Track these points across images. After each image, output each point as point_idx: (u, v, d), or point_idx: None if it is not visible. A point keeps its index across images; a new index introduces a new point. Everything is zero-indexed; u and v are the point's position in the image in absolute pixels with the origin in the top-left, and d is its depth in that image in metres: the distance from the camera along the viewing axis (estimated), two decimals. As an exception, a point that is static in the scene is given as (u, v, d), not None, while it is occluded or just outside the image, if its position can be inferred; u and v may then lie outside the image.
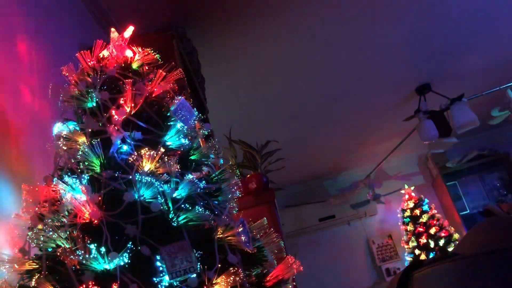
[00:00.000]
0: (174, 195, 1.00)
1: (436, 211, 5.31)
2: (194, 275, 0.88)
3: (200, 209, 0.99)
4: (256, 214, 1.29)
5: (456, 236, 5.08)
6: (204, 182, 1.10)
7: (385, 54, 3.55)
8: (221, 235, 0.98)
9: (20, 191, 1.05)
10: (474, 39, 3.61)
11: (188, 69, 2.41)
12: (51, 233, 0.90)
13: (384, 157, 5.42)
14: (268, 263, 1.06)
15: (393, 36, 3.32)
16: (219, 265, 0.92)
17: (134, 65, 1.26)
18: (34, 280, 0.86)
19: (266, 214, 2.12)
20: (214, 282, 0.90)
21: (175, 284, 0.88)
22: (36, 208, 1.01)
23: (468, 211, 5.59)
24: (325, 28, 3.05)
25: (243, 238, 1.01)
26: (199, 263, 0.90)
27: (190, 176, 1.03)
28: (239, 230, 1.01)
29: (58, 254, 0.87)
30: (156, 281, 0.88)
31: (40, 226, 0.95)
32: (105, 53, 1.26)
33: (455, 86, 4.06)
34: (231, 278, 0.89)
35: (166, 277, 0.88)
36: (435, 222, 5.15)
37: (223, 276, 0.90)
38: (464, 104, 3.88)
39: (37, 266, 0.91)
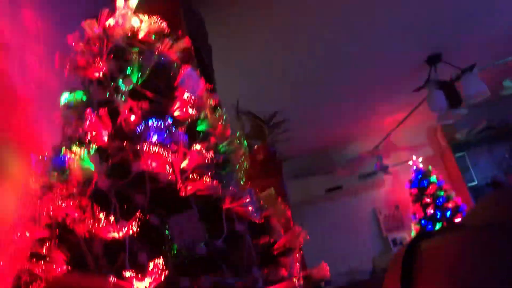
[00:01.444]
0: (182, 165, 1.00)
1: (444, 182, 5.30)
2: (202, 244, 0.89)
3: (208, 179, 0.99)
4: (264, 185, 1.30)
5: (463, 207, 5.09)
6: (211, 152, 1.10)
7: (395, 23, 3.48)
8: (228, 205, 0.99)
9: (30, 161, 1.06)
10: (487, 8, 3.52)
11: (195, 38, 2.38)
12: (60, 202, 0.91)
13: (392, 128, 5.39)
14: (275, 233, 1.07)
15: (404, 5, 3.25)
16: (227, 235, 0.93)
17: (141, 34, 1.25)
18: (45, 247, 0.87)
19: (273, 185, 2.12)
20: (222, 250, 0.91)
21: (183, 252, 0.89)
22: (46, 178, 1.02)
23: (476, 182, 5.58)
24: (333, 0, 2.99)
25: (250, 208, 1.02)
26: (207, 233, 0.91)
27: (197, 147, 1.03)
28: (247, 200, 1.01)
29: (68, 222, 0.88)
30: (164, 249, 0.89)
31: (50, 196, 0.96)
32: (111, 21, 1.24)
33: (467, 56, 3.99)
34: (239, 247, 0.90)
35: (175, 246, 0.89)
36: (442, 193, 5.15)
37: (231, 245, 0.91)
38: (475, 75, 3.82)
39: (48, 234, 0.93)
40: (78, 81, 1.19)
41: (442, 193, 5.15)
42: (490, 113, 5.55)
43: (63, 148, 1.04)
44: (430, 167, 5.42)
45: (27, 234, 0.94)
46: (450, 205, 5.04)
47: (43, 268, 0.83)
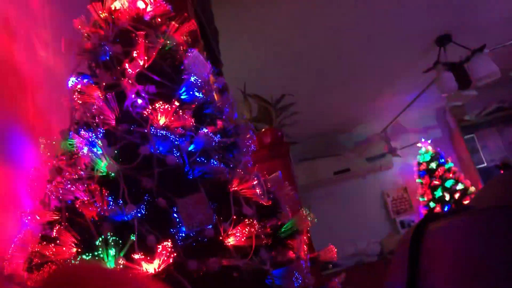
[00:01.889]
0: (189, 148, 1.00)
1: (452, 164, 5.28)
2: (210, 226, 0.90)
3: (215, 162, 1.00)
4: (271, 168, 1.30)
5: (472, 189, 5.07)
6: (219, 135, 1.10)
7: (404, 3, 3.42)
8: (236, 188, 0.99)
9: (38, 145, 1.07)
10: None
11: (201, 21, 2.36)
12: (69, 185, 0.92)
13: (401, 110, 5.35)
14: (282, 215, 1.08)
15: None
16: (235, 217, 0.94)
17: (146, 17, 1.24)
18: (55, 230, 0.88)
19: (280, 168, 2.13)
20: (229, 233, 0.91)
21: (191, 235, 0.90)
22: (54, 162, 1.03)
23: (485, 164, 5.54)
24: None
25: (257, 190, 1.02)
26: (214, 215, 0.92)
27: (204, 130, 1.03)
28: (254, 183, 1.02)
29: (77, 206, 0.89)
30: (173, 232, 0.90)
31: (58, 179, 0.97)
32: (117, 4, 1.23)
33: (477, 36, 3.93)
34: (247, 229, 0.91)
35: (183, 228, 0.90)
36: (451, 175, 5.13)
37: (239, 227, 0.91)
38: (485, 55, 3.76)
39: (57, 217, 0.94)
40: (84, 65, 1.19)
41: (450, 175, 5.13)
42: (501, 94, 5.48)
43: (71, 132, 1.05)
44: (439, 149, 5.39)
45: (37, 217, 0.95)
46: (458, 187, 5.02)
47: (53, 250, 0.84)
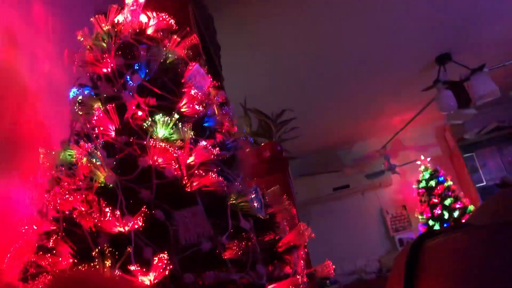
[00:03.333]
0: (188, 161, 1.00)
1: (451, 183, 5.27)
2: (207, 240, 0.90)
3: (214, 176, 1.00)
4: (270, 182, 1.30)
5: (471, 207, 5.05)
6: (218, 149, 1.10)
7: (404, 22, 3.46)
8: (234, 201, 0.99)
9: (38, 155, 1.07)
10: (497, 6, 3.49)
11: (203, 35, 2.39)
12: (67, 196, 0.92)
13: (401, 127, 5.37)
14: (280, 230, 1.07)
15: (414, 4, 3.23)
16: (232, 231, 0.94)
17: (149, 31, 1.25)
18: (52, 240, 0.88)
19: (279, 182, 2.13)
20: (226, 246, 0.91)
21: (188, 247, 0.90)
22: (53, 172, 1.03)
23: (485, 183, 5.54)
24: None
25: (255, 204, 1.02)
26: (212, 228, 0.92)
27: (204, 143, 1.04)
28: (252, 196, 1.02)
29: (75, 216, 0.89)
30: (169, 245, 0.89)
31: (57, 189, 0.97)
32: (119, 18, 1.25)
33: (476, 56, 3.97)
34: (244, 243, 0.90)
35: (180, 241, 0.89)
36: (450, 193, 5.12)
37: (236, 241, 0.91)
38: (485, 75, 3.79)
39: (55, 227, 0.94)
40: (86, 77, 1.20)
41: (450, 193, 5.12)
42: (500, 113, 5.51)
43: (71, 143, 1.05)
44: (438, 167, 5.39)
45: (35, 227, 0.95)
46: (457, 205, 5.01)
47: (49, 261, 0.84)
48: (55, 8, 1.67)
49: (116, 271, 0.80)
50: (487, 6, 3.45)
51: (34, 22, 1.50)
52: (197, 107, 1.14)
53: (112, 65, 1.13)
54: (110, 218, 0.86)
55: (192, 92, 1.13)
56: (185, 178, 0.97)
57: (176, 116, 1.04)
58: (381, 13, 3.27)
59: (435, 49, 3.97)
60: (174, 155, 0.98)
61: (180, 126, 1.03)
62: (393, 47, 3.80)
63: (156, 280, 0.80)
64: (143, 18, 1.28)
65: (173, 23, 1.30)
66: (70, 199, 0.91)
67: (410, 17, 3.40)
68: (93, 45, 1.18)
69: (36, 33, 1.49)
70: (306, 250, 1.13)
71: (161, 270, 0.80)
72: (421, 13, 3.37)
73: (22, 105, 1.28)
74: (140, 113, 1.06)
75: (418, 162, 5.52)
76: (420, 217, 5.28)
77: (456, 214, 4.98)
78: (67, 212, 0.93)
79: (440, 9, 3.36)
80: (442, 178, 5.26)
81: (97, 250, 0.83)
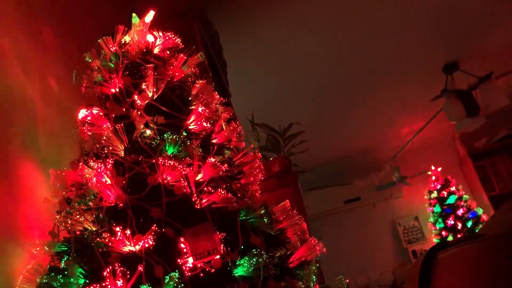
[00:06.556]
0: (197, 178, 1.01)
1: (463, 192, 5.21)
2: (218, 257, 0.89)
3: (223, 192, 1.00)
4: (279, 197, 1.30)
5: (484, 217, 4.99)
6: (226, 165, 1.11)
7: (410, 32, 3.46)
8: (244, 217, 0.99)
9: (48, 176, 1.08)
10: (504, 14, 3.49)
11: (209, 52, 2.41)
12: (78, 216, 0.92)
13: (410, 138, 5.34)
14: (291, 245, 1.07)
15: (419, 12, 3.24)
16: (242, 247, 0.93)
17: (156, 50, 1.27)
18: (63, 261, 0.88)
19: (289, 197, 2.12)
20: (237, 263, 0.91)
21: (199, 265, 0.89)
22: (64, 193, 1.04)
23: (498, 191, 5.47)
24: (348, 7, 3.00)
25: (265, 220, 1.02)
26: (222, 245, 0.91)
27: (212, 159, 1.04)
28: (262, 212, 1.01)
29: (86, 236, 0.89)
30: (180, 262, 0.89)
31: (68, 210, 0.98)
32: (126, 38, 1.27)
33: (484, 64, 3.95)
34: (254, 260, 0.90)
35: (190, 258, 0.89)
36: (462, 203, 5.06)
37: (246, 257, 0.91)
38: (493, 83, 3.77)
39: (66, 248, 0.94)
40: (95, 97, 1.21)
41: (462, 203, 5.06)
42: (510, 121, 5.46)
43: (81, 163, 1.06)
44: (449, 177, 5.34)
45: (46, 248, 0.95)
46: (470, 215, 4.95)
47: (61, 282, 0.84)
48: (64, 30, 1.70)
49: (128, 291, 0.80)
50: (492, 15, 3.44)
51: (43, 44, 1.52)
52: (204, 124, 1.15)
53: (120, 85, 1.15)
54: (121, 237, 0.86)
55: (200, 109, 1.14)
56: (195, 195, 0.98)
57: (184, 133, 1.05)
58: (389, 24, 3.28)
59: (442, 59, 3.96)
60: (183, 172, 0.98)
61: (188, 143, 1.04)
62: (400, 58, 3.80)
63: (168, 299, 0.80)
64: (149, 37, 1.29)
65: (179, 41, 1.32)
66: (81, 219, 0.92)
67: (416, 27, 3.40)
68: (101, 65, 1.19)
69: (45, 54, 1.51)
70: (317, 264, 1.12)
71: (173, 289, 0.80)
72: (427, 22, 3.37)
73: (33, 127, 1.30)
74: (148, 131, 1.07)
75: (429, 172, 5.48)
76: (432, 228, 5.22)
77: (469, 224, 4.91)
78: (78, 233, 0.94)
79: (446, 19, 3.36)
80: (453, 188, 5.20)
81: (108, 269, 0.83)
